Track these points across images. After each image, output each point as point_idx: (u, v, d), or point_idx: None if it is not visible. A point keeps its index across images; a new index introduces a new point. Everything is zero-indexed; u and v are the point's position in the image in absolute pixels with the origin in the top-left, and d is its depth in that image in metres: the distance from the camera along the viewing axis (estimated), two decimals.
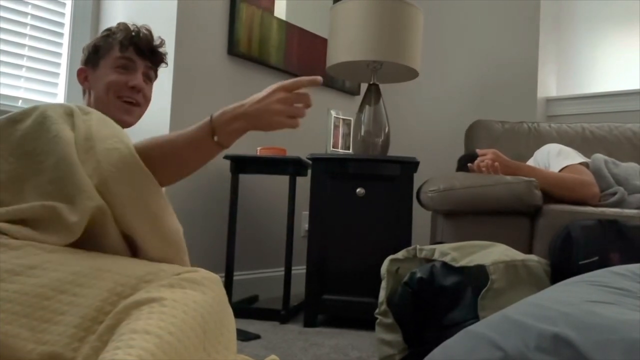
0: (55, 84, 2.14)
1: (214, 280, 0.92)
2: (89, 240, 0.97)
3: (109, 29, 1.30)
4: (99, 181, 0.96)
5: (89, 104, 1.26)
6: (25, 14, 2.03)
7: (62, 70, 2.16)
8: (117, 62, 1.25)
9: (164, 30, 2.16)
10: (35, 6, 2.06)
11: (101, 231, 0.97)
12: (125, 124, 1.26)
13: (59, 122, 1.03)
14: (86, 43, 1.33)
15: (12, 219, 0.96)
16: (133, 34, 1.26)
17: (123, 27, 1.28)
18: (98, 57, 1.27)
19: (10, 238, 0.93)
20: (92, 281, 0.86)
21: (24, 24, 2.02)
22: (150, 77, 1.31)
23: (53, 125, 1.02)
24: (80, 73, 1.30)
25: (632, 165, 2.12)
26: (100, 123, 1.06)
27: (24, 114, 1.07)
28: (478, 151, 2.05)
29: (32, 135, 1.02)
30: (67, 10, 2.18)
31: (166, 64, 1.36)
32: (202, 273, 0.91)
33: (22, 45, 2.02)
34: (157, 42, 1.31)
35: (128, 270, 0.88)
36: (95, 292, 0.85)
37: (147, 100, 1.31)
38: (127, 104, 1.25)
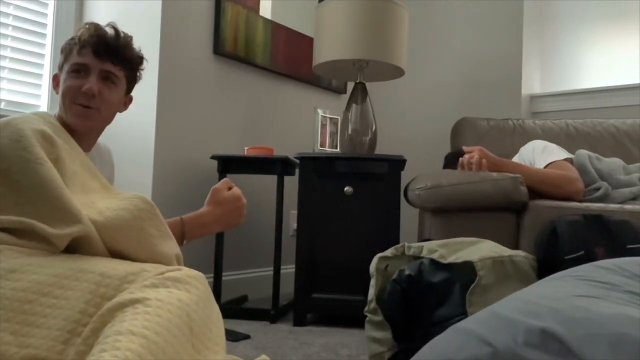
0: (38, 85, 2.11)
1: (198, 278, 0.91)
2: (72, 251, 0.97)
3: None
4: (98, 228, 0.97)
5: (58, 110, 1.25)
6: (7, 14, 2.00)
7: (45, 71, 2.14)
8: (72, 67, 1.21)
9: (149, 30, 2.15)
10: (17, 7, 2.03)
11: (87, 249, 0.96)
12: (84, 128, 1.22)
13: (37, 145, 1.01)
14: None
15: None
16: (91, 34, 1.21)
17: (86, 27, 1.23)
18: (62, 62, 1.25)
19: None
20: (73, 283, 0.85)
21: (6, 25, 2.00)
22: (112, 79, 1.24)
23: (33, 147, 1.01)
24: (54, 78, 1.28)
25: (615, 160, 2.15)
26: (85, 169, 1.09)
27: None
28: (464, 148, 2.06)
29: (7, 154, 1.00)
30: (50, 11, 2.15)
31: (136, 62, 1.30)
32: (186, 271, 0.91)
33: (4, 47, 1.99)
34: (119, 40, 1.25)
35: (110, 271, 0.88)
36: (77, 294, 0.84)
37: (107, 103, 1.24)
38: (82, 108, 1.20)
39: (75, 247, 0.96)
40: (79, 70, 1.21)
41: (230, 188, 1.32)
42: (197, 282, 0.90)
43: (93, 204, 1.03)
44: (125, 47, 1.26)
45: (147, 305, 0.79)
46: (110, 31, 1.24)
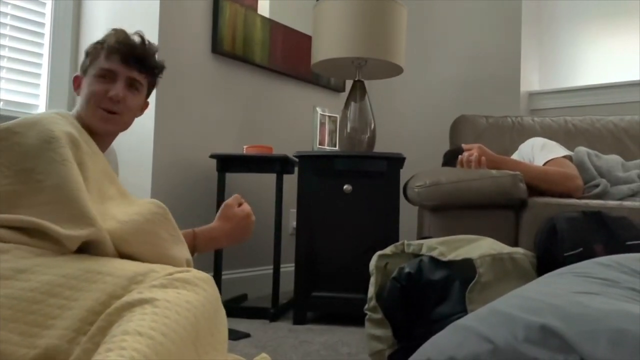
0: (36, 85, 2.11)
1: (207, 280, 0.92)
2: (82, 253, 0.97)
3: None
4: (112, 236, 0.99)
5: (77, 111, 1.26)
6: (5, 14, 2.00)
7: (44, 71, 2.13)
8: (99, 72, 1.24)
9: (147, 29, 2.12)
10: (15, 6, 2.03)
11: (97, 252, 0.97)
12: (105, 132, 1.26)
13: (66, 147, 1.03)
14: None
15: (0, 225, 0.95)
16: (119, 41, 1.24)
17: (113, 33, 1.26)
18: (87, 65, 1.27)
19: None
20: (82, 284, 0.86)
21: (4, 25, 1.99)
22: (136, 86, 1.28)
23: (61, 148, 1.03)
24: (75, 80, 1.30)
25: (614, 157, 2.15)
26: (104, 175, 1.11)
27: (24, 126, 1.06)
28: (464, 146, 2.06)
29: (35, 153, 1.02)
30: (48, 10, 2.15)
31: (159, 70, 1.35)
32: (195, 273, 0.91)
33: (3, 47, 1.99)
34: (146, 49, 1.29)
35: (118, 271, 0.88)
36: (86, 295, 0.84)
37: (130, 108, 1.28)
38: (107, 113, 1.23)
39: (85, 250, 0.96)
40: (105, 75, 1.23)
41: (240, 204, 1.38)
42: (206, 284, 0.91)
43: (107, 210, 1.04)
44: (151, 57, 1.30)
45: (155, 306, 0.79)
46: (137, 40, 1.27)
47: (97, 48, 1.26)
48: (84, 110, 1.23)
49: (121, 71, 1.24)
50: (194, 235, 1.30)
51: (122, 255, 0.99)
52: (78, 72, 1.29)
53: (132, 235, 1.00)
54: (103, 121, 1.23)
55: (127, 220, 1.00)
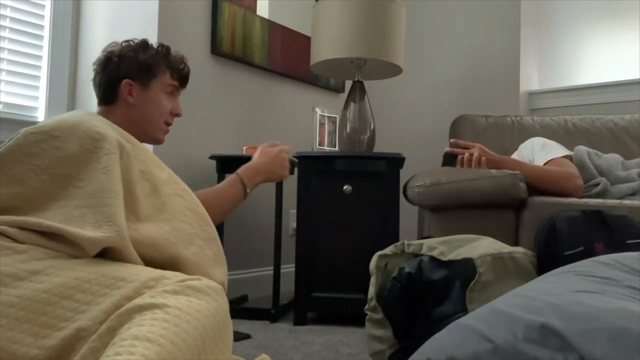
0: (36, 87, 2.11)
1: (217, 290, 0.92)
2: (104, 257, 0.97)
3: (159, 46, 1.38)
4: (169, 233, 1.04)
5: (122, 115, 1.30)
6: (4, 16, 2.00)
7: (43, 73, 2.13)
8: (168, 88, 1.36)
9: (146, 31, 2.14)
10: (13, 8, 2.03)
11: (116, 259, 0.96)
12: (161, 142, 1.40)
13: (109, 154, 1.04)
14: (123, 52, 1.34)
15: (18, 227, 0.95)
16: (183, 67, 1.40)
17: (174, 53, 1.39)
18: (150, 76, 1.32)
19: (16, 242, 0.92)
20: (95, 287, 0.86)
21: (3, 27, 2.00)
22: None
23: (104, 156, 1.03)
24: (127, 86, 1.31)
25: (614, 156, 2.15)
26: (153, 163, 1.14)
27: (62, 129, 1.06)
28: (459, 142, 2.05)
29: (78, 161, 1.03)
30: (47, 12, 2.15)
31: None
32: (206, 281, 0.92)
33: (2, 49, 1.99)
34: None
35: (132, 276, 0.88)
36: (98, 299, 0.84)
37: None
38: (167, 127, 1.39)
39: (105, 256, 0.96)
40: (172, 93, 1.38)
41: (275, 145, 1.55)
42: (217, 294, 0.91)
43: (167, 205, 1.07)
44: None
45: (166, 313, 0.79)
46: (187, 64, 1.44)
47: (160, 64, 1.34)
48: (151, 121, 1.33)
49: (178, 90, 1.41)
50: (238, 176, 1.42)
51: (167, 259, 1.01)
52: (128, 79, 1.31)
53: (180, 241, 1.03)
54: (164, 134, 1.38)
55: (178, 227, 1.06)
